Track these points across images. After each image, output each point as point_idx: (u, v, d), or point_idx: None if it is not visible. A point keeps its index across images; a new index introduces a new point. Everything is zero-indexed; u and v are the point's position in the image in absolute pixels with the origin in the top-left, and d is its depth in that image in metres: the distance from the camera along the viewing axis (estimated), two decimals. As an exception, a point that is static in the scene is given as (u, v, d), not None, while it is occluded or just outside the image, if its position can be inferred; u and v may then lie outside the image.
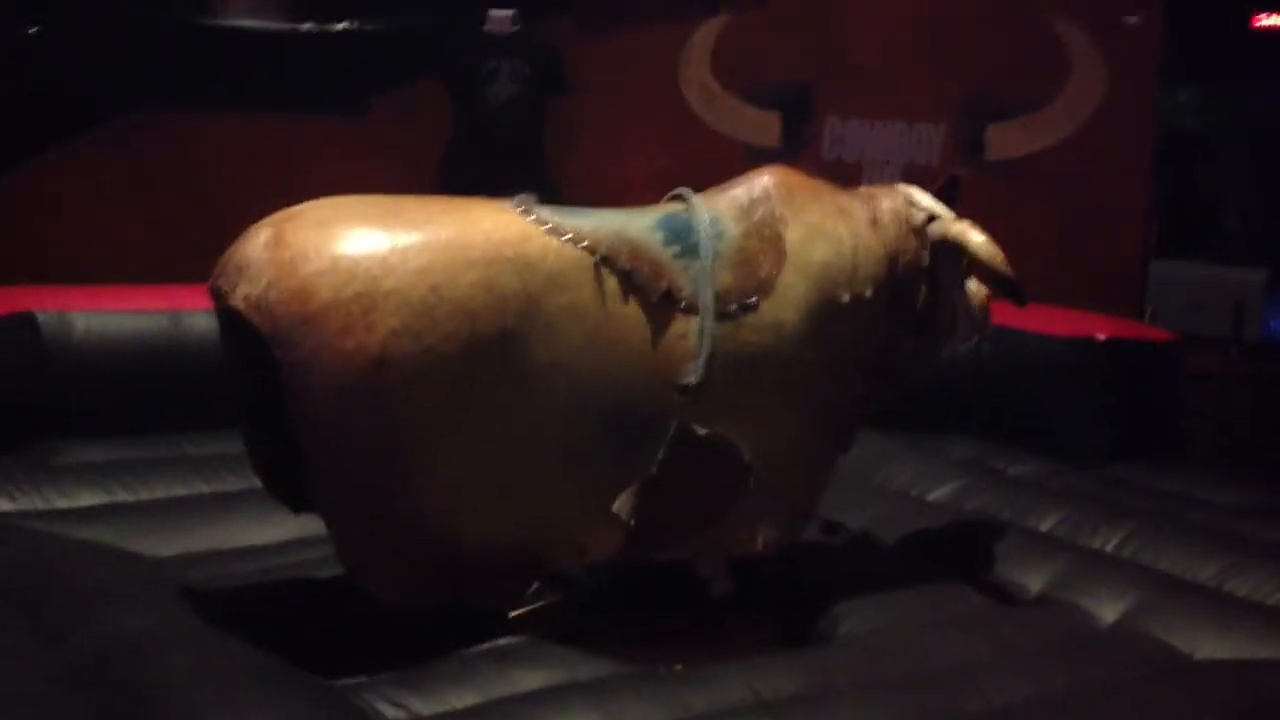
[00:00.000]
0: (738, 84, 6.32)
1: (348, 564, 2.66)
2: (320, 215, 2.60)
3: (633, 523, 2.75)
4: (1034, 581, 3.32)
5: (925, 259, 3.11)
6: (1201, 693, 2.56)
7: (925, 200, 3.18)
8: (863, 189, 3.25)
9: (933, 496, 4.02)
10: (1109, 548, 3.53)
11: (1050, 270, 4.94)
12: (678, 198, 3.00)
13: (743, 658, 2.70)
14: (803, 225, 2.96)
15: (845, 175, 6.10)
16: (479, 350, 2.53)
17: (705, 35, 6.31)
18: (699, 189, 3.05)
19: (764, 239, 2.91)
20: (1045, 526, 3.70)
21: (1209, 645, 2.90)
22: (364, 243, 2.52)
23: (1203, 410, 4.99)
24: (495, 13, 5.97)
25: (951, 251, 3.10)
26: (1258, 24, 9.35)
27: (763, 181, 3.03)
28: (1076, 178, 6.02)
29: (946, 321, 3.21)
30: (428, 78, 6.07)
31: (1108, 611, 3.12)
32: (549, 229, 2.70)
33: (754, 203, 2.97)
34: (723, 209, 2.96)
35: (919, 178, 6.07)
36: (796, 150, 6.30)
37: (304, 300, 2.44)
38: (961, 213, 3.23)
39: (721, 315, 2.79)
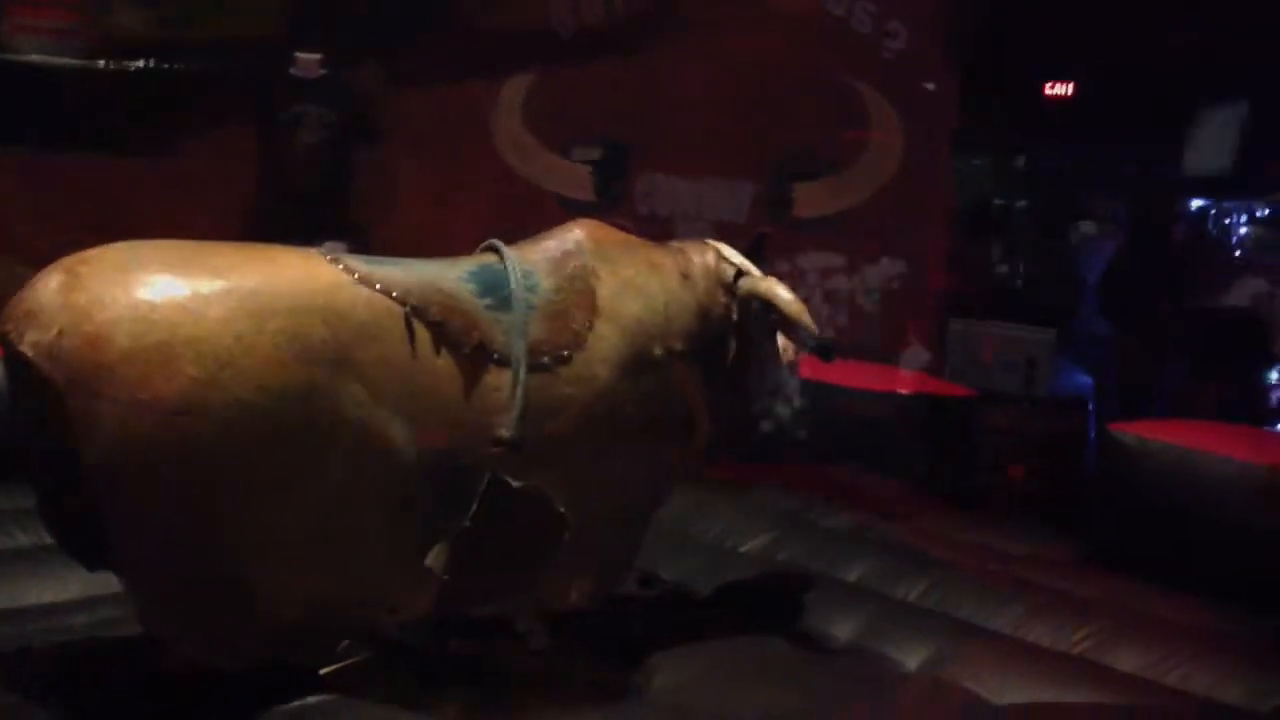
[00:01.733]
0: (551, 137, 6.34)
1: (149, 623, 2.55)
2: (118, 259, 2.48)
3: (446, 578, 2.70)
4: (842, 630, 3.38)
5: (735, 314, 3.14)
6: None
7: (734, 256, 3.22)
8: (673, 244, 3.27)
9: (745, 548, 4.06)
10: (913, 597, 3.62)
11: (855, 326, 5.09)
12: (490, 249, 2.98)
13: (557, 712, 2.66)
14: (615, 279, 2.97)
15: (657, 230, 6.21)
16: (286, 401, 2.44)
17: (519, 87, 6.33)
18: (513, 241, 3.03)
19: (576, 292, 2.91)
20: (853, 577, 3.78)
21: (1009, 691, 2.98)
22: (164, 289, 2.40)
23: (997, 463, 5.17)
24: (303, 56, 5.86)
25: (760, 307, 3.14)
26: (1048, 92, 9.85)
27: (575, 235, 3.03)
28: (880, 236, 6.21)
29: (756, 377, 3.25)
30: (236, 121, 5.92)
31: (912, 659, 3.20)
32: (359, 278, 2.63)
33: (566, 255, 2.97)
34: (535, 261, 2.94)
35: (729, 234, 6.23)
36: (610, 204, 6.34)
37: (99, 348, 2.32)
38: (770, 269, 3.30)
39: (534, 368, 2.77)
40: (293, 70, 5.87)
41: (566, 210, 6.29)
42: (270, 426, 2.43)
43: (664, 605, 3.49)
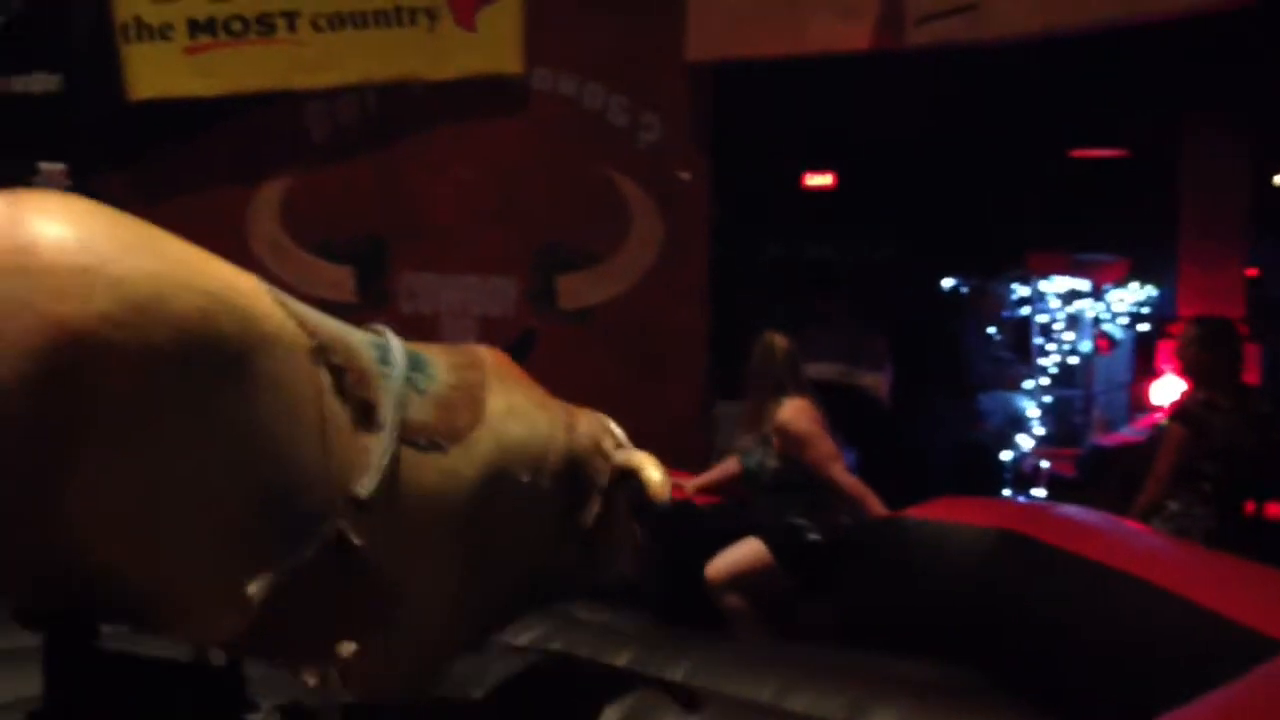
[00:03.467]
0: (309, 239, 6.29)
1: None
2: (65, 196, 2.52)
3: (260, 612, 2.59)
4: (609, 715, 3.37)
5: (604, 480, 3.24)
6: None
7: (616, 430, 3.35)
8: (565, 404, 3.34)
9: (517, 641, 4.04)
10: (678, 678, 3.64)
11: (621, 414, 5.12)
12: (374, 332, 2.98)
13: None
14: (506, 401, 3.05)
15: (423, 327, 6.21)
16: (179, 374, 2.40)
17: (273, 190, 6.27)
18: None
19: (468, 396, 2.98)
20: (620, 662, 3.79)
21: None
22: (105, 229, 2.40)
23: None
24: (46, 165, 5.70)
25: (628, 480, 3.26)
26: (806, 183, 10.23)
27: (480, 353, 3.15)
28: (642, 324, 6.31)
29: (609, 543, 3.35)
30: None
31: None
32: (276, 298, 2.64)
33: (467, 364, 3.06)
34: (436, 356, 3.01)
35: (495, 328, 6.30)
36: (374, 304, 6.30)
37: (29, 254, 2.29)
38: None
39: (410, 444, 2.78)
40: (35, 180, 5.69)
41: (329, 313, 6.24)
42: (156, 390, 2.38)
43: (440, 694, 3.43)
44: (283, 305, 2.65)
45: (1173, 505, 4.71)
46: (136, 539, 2.46)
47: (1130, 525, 4.12)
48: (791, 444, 4.60)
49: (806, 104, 7.72)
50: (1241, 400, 4.94)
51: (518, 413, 3.07)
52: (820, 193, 10.23)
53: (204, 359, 2.44)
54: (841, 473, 4.56)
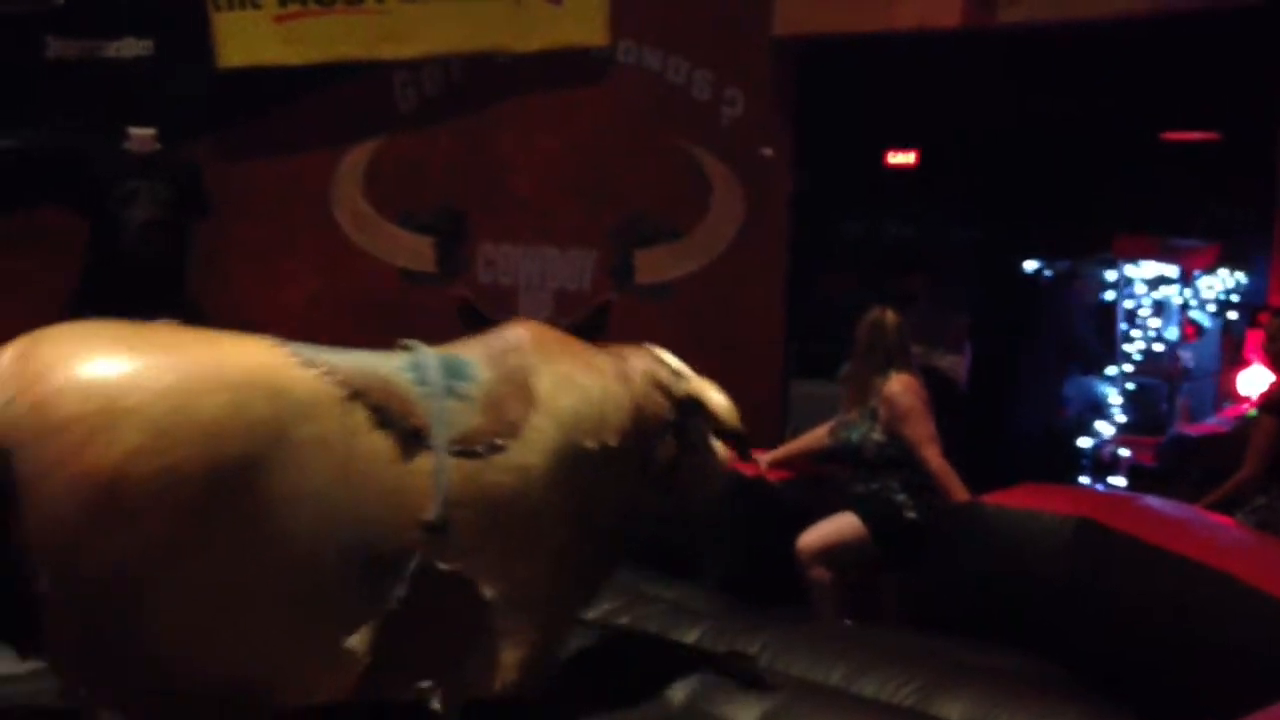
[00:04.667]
0: (391, 208, 6.33)
1: (73, 697, 2.53)
2: (68, 335, 2.59)
3: (368, 661, 2.69)
4: (677, 694, 3.37)
5: (671, 414, 3.26)
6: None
7: (672, 360, 3.36)
8: (612, 347, 3.38)
9: (590, 616, 4.04)
10: (748, 659, 3.63)
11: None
12: (405, 348, 3.03)
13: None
14: (553, 375, 3.06)
15: (500, 299, 6.24)
16: (221, 473, 2.49)
17: (358, 159, 6.31)
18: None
19: (514, 384, 3.00)
20: (690, 640, 3.78)
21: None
22: (109, 361, 2.49)
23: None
24: (136, 130, 5.77)
25: (694, 408, 3.28)
26: (889, 161, 10.11)
27: (516, 333, 3.16)
28: (720, 301, 6.29)
29: (691, 474, 3.36)
30: (55, 201, 5.79)
31: (746, 716, 3.20)
32: (302, 361, 2.71)
33: (506, 352, 3.08)
34: (476, 355, 3.05)
35: (572, 302, 6.31)
36: (452, 275, 6.34)
37: (45, 413, 2.40)
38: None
39: (468, 454, 2.83)
40: (126, 144, 5.77)
41: (408, 282, 6.29)
42: (203, 496, 2.47)
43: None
44: (308, 365, 2.71)
45: (1260, 499, 4.62)
46: (217, 636, 2.54)
47: (1212, 518, 4.03)
48: (897, 418, 4.58)
49: (891, 81, 7.62)
50: None
51: (568, 384, 3.07)
52: (903, 171, 10.10)
53: (243, 451, 2.52)
54: (935, 455, 4.52)
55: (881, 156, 10.03)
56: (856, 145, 9.22)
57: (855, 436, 4.67)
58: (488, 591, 2.84)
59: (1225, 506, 4.66)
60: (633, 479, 3.18)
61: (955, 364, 7.23)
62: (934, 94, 7.97)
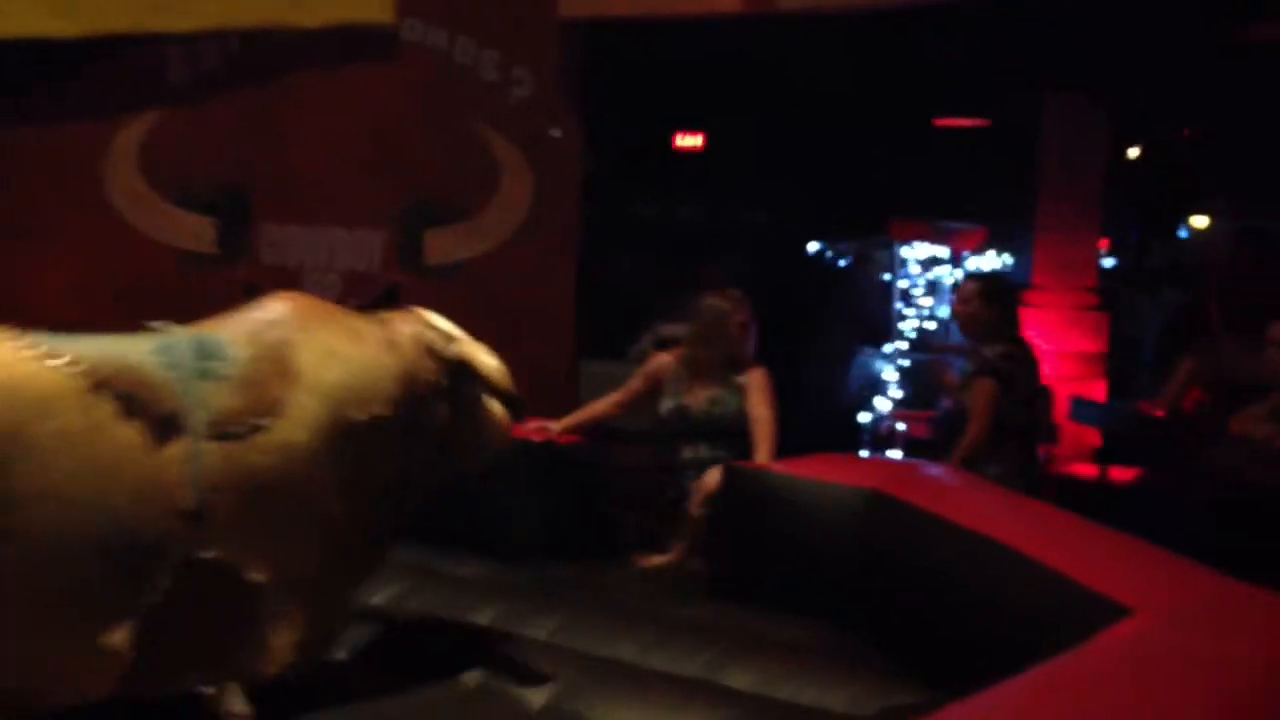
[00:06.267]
0: (169, 188, 6.11)
1: None
2: None
3: (133, 656, 2.60)
4: (470, 676, 3.37)
5: (442, 378, 3.22)
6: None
7: (442, 323, 3.31)
8: (381, 314, 3.32)
9: (375, 601, 3.99)
10: (543, 636, 3.66)
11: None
12: (153, 330, 2.91)
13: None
14: (315, 348, 2.99)
15: (285, 281, 6.07)
16: None
17: (131, 135, 6.07)
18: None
19: (274, 361, 2.92)
20: (482, 620, 3.78)
21: (629, 715, 3.07)
22: None
23: (629, 498, 5.27)
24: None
25: (465, 371, 3.25)
26: (677, 144, 10.24)
27: (276, 307, 3.06)
28: (510, 282, 6.27)
29: (467, 439, 3.34)
30: None
31: (538, 697, 3.23)
32: (41, 353, 2.59)
33: (266, 327, 2.99)
34: (232, 332, 2.95)
35: (360, 283, 6.20)
36: (234, 256, 6.16)
37: None
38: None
39: (228, 436, 2.75)
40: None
41: (187, 265, 6.09)
42: None
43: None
44: (47, 355, 2.60)
45: (992, 469, 4.77)
46: None
47: (993, 489, 4.20)
48: (761, 398, 4.81)
49: (677, 64, 7.72)
50: (1027, 352, 5.16)
51: (331, 357, 3.00)
52: (691, 154, 10.25)
53: None
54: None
55: (670, 139, 10.15)
56: (646, 127, 9.31)
57: (724, 409, 4.79)
58: (255, 576, 2.78)
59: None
60: (406, 447, 3.13)
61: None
62: (719, 77, 8.11)
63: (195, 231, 6.14)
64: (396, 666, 3.41)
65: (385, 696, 3.19)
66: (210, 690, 2.83)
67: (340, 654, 3.48)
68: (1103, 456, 7.30)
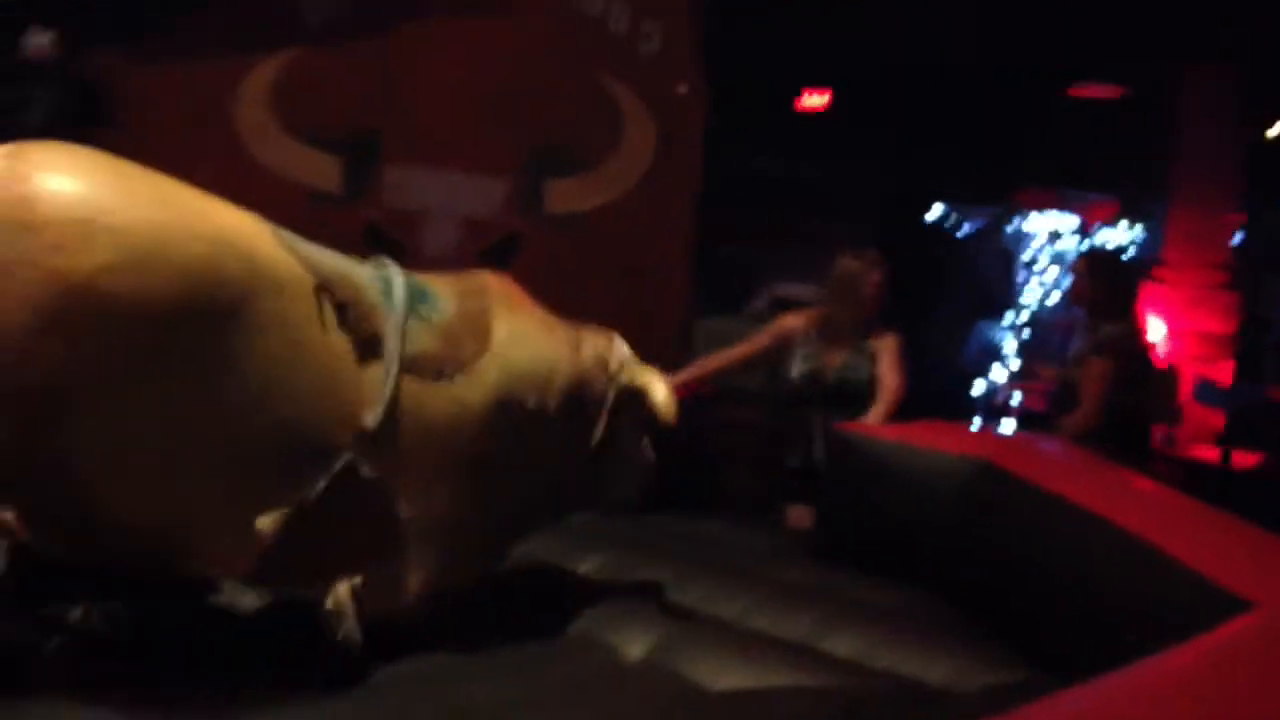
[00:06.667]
0: (297, 126, 6.18)
1: None
2: (63, 147, 2.56)
3: (271, 543, 2.69)
4: (572, 624, 3.40)
5: (610, 398, 3.33)
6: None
7: (625, 349, 3.43)
8: (576, 323, 3.41)
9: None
10: (642, 590, 3.67)
11: (605, 322, 5.10)
12: (377, 263, 3.07)
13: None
14: (510, 326, 3.14)
15: (406, 223, 6.16)
16: (183, 315, 2.49)
17: (263, 74, 6.14)
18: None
19: (473, 324, 3.08)
20: (584, 570, 3.81)
21: (729, 677, 3.03)
22: (100, 179, 2.48)
23: (739, 457, 5.28)
24: (34, 37, 5.57)
25: (634, 399, 3.36)
26: (801, 104, 10.13)
27: (482, 280, 3.24)
28: (630, 235, 6.26)
29: (620, 462, 3.45)
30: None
31: (636, 648, 3.23)
32: (281, 241, 2.75)
33: (470, 293, 3.15)
34: (441, 287, 3.11)
35: (480, 229, 6.25)
36: (357, 197, 6.23)
37: (27, 208, 2.38)
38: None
39: (414, 374, 2.90)
40: (22, 51, 5.57)
41: (314, 202, 6.17)
42: (161, 334, 2.47)
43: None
44: (287, 246, 2.75)
45: (1103, 448, 4.68)
46: (140, 478, 2.53)
47: (1108, 467, 4.11)
48: (890, 363, 4.87)
49: (805, 24, 7.63)
50: (1140, 330, 5.06)
51: (523, 338, 3.15)
52: (815, 114, 10.14)
53: (208, 304, 2.53)
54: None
55: (795, 98, 10.05)
56: (771, 85, 9.23)
57: (857, 374, 4.80)
58: (403, 510, 2.90)
59: None
60: (561, 450, 3.26)
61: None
62: (848, 37, 8.00)
63: (320, 170, 6.21)
64: (495, 611, 3.43)
65: (481, 642, 3.20)
66: (332, 607, 2.88)
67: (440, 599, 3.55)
68: (1226, 440, 7.12)
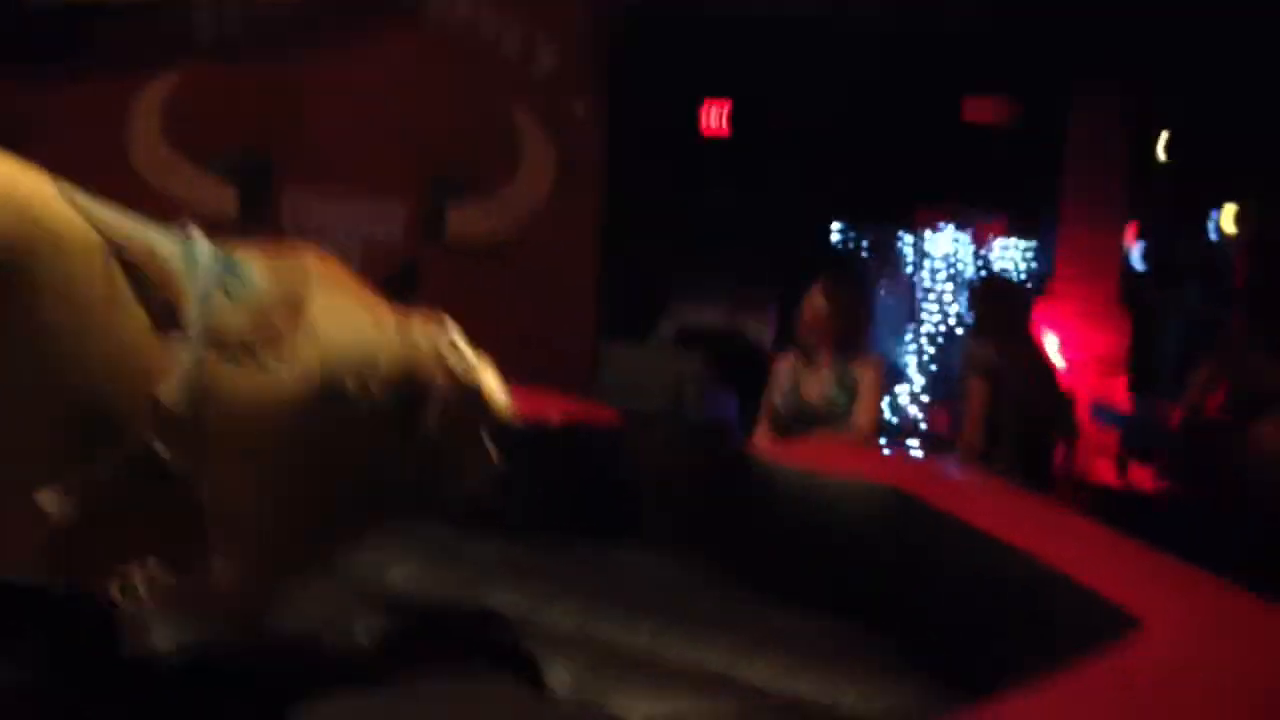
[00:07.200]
0: (191, 152, 6.09)
1: None
2: None
3: (56, 525, 2.49)
4: (487, 660, 3.35)
5: (443, 389, 3.11)
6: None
7: (461, 340, 3.20)
8: (404, 308, 3.21)
9: (392, 580, 3.98)
10: (561, 622, 3.64)
11: (510, 349, 5.06)
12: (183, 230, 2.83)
13: None
14: (330, 305, 2.90)
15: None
16: None
17: (156, 97, 6.04)
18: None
19: (287, 301, 2.82)
20: (497, 604, 3.76)
21: (643, 706, 3.05)
22: None
23: (647, 489, 5.24)
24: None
25: (470, 392, 3.14)
26: (705, 126, 10.16)
27: (303, 258, 2.99)
28: (532, 260, 6.26)
29: (458, 458, 3.24)
30: None
31: (555, 683, 3.20)
32: (68, 198, 2.50)
33: (288, 270, 2.90)
34: (256, 260, 2.88)
35: (380, 255, 6.18)
36: (256, 221, 6.14)
37: None
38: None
39: (219, 349, 2.65)
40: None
41: (209, 231, 6.06)
42: None
43: (308, 642, 3.36)
44: (72, 202, 2.52)
45: (992, 469, 4.77)
46: None
47: (1009, 490, 4.19)
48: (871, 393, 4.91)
49: (704, 44, 7.67)
50: (1027, 350, 5.14)
51: (343, 317, 2.92)
52: (716, 137, 10.19)
53: None
54: None
55: (697, 120, 10.08)
56: (673, 105, 9.26)
57: (837, 404, 4.86)
58: (203, 493, 2.66)
59: None
60: (389, 441, 3.03)
61: (761, 331, 7.35)
62: (748, 56, 8.06)
63: (217, 196, 6.12)
64: (410, 650, 3.39)
65: (400, 680, 3.15)
66: (123, 600, 2.72)
67: (359, 637, 3.48)
68: (1123, 458, 7.29)
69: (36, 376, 2.44)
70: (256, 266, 2.86)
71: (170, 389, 2.57)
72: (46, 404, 2.46)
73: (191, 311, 2.63)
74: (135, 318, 2.55)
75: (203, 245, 2.79)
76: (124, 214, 2.66)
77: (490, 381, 3.19)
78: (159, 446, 2.58)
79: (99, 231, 2.52)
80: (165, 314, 2.59)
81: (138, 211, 5.94)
